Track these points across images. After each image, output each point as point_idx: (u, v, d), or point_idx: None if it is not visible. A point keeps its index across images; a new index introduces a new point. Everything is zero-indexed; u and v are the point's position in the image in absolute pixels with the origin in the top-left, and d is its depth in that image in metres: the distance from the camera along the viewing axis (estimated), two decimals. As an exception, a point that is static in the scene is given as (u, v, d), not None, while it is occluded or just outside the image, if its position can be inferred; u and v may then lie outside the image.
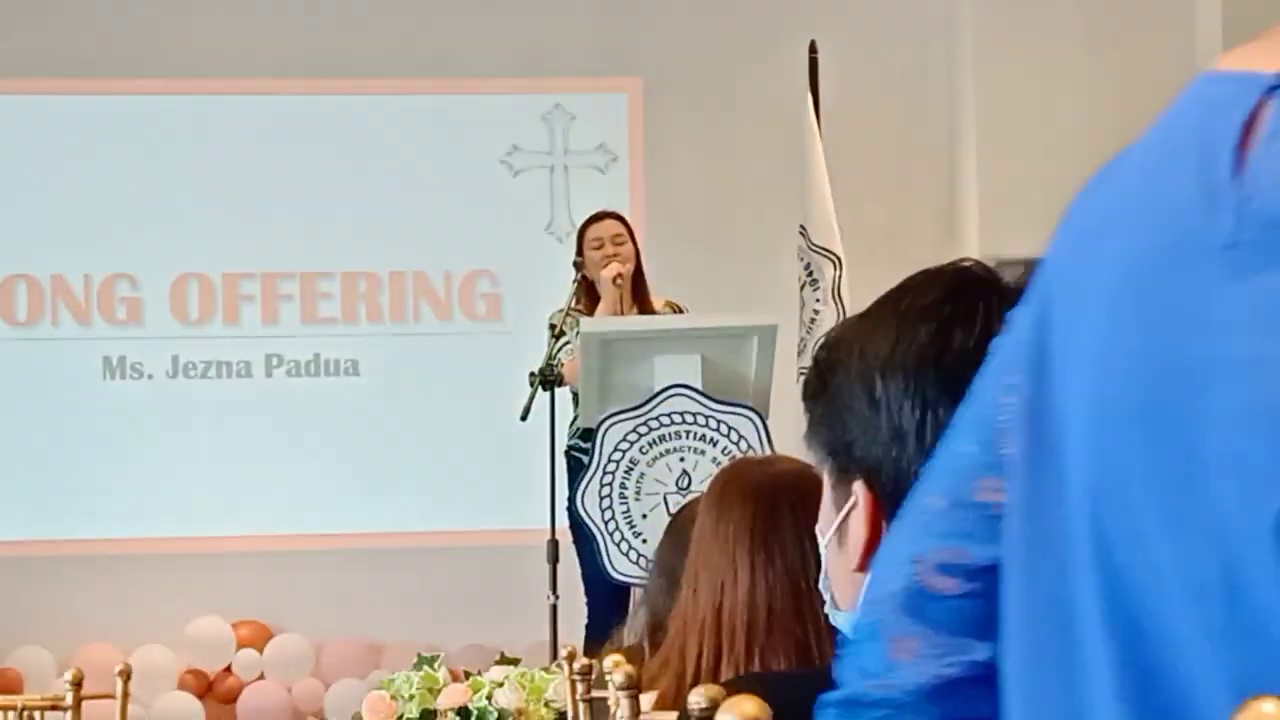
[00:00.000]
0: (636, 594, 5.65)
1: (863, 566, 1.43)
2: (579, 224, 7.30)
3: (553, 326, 6.85)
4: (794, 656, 2.46)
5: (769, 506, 2.53)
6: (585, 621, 6.74)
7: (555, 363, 6.73)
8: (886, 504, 1.42)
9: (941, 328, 1.40)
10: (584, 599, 6.78)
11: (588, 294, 6.94)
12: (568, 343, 6.74)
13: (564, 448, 6.92)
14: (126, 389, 8.87)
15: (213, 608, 8.68)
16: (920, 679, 1.07)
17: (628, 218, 7.37)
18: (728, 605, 2.50)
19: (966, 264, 1.45)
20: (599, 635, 6.44)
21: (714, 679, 2.47)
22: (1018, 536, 0.99)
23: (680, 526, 3.19)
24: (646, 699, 2.53)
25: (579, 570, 6.74)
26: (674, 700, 2.50)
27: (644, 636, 3.10)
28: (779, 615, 2.47)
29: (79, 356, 8.86)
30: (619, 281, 6.77)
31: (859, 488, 1.43)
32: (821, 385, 1.46)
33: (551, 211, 9.01)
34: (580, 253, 6.99)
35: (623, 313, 6.78)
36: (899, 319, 1.42)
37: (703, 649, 2.51)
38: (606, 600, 6.53)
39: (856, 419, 1.42)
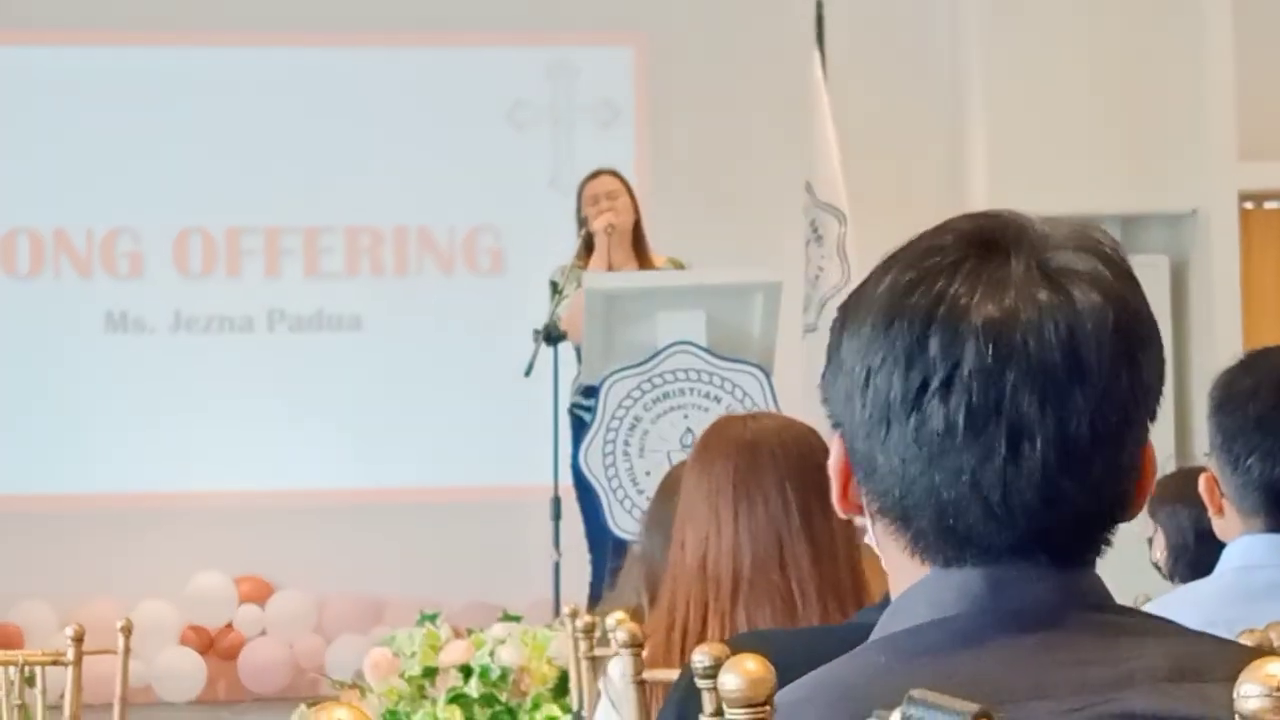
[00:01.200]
0: (634, 550, 5.63)
1: (842, 510, 1.43)
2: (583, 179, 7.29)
3: (554, 284, 6.85)
4: (778, 604, 2.48)
5: (750, 458, 2.55)
6: (589, 579, 6.74)
7: (556, 317, 6.73)
8: (852, 459, 1.40)
9: (910, 284, 1.35)
10: (588, 556, 6.78)
11: (588, 251, 6.93)
12: (567, 297, 6.73)
13: (567, 405, 6.91)
14: (128, 343, 8.87)
15: (214, 563, 8.68)
16: None
17: (632, 172, 7.36)
18: (712, 556, 2.53)
19: (993, 212, 1.40)
20: (602, 593, 6.44)
21: (701, 629, 2.49)
22: None
23: (671, 484, 3.19)
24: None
25: (583, 527, 6.73)
26: (664, 653, 2.51)
27: (642, 594, 3.11)
28: (762, 564, 2.50)
29: (81, 310, 8.85)
30: (609, 231, 6.78)
31: (836, 440, 1.42)
32: (830, 330, 1.44)
33: (555, 166, 8.98)
34: (580, 210, 7.00)
35: (615, 263, 6.78)
36: (884, 270, 1.39)
37: (690, 601, 2.53)
38: (610, 558, 6.52)
39: (831, 372, 1.41)
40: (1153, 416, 1.37)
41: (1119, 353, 1.32)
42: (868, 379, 1.35)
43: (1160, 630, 1.34)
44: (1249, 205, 8.87)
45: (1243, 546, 2.57)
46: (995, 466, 1.31)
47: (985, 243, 1.36)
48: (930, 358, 1.32)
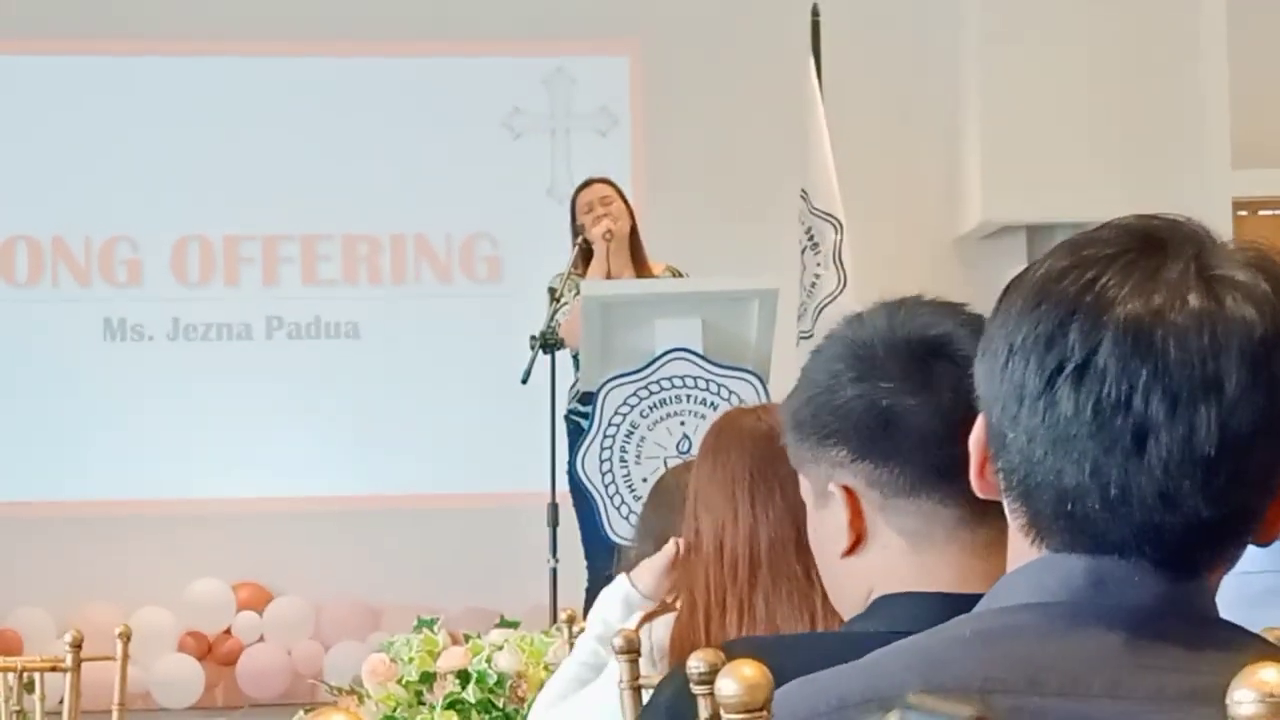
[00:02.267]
0: (628, 555, 5.65)
1: (979, 489, 1.44)
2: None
3: (552, 290, 6.86)
4: (796, 590, 2.48)
5: (766, 447, 2.54)
6: (586, 585, 6.75)
7: (554, 324, 6.74)
8: (989, 437, 1.41)
9: (1064, 270, 1.35)
10: (584, 563, 6.78)
11: (585, 260, 6.95)
12: (566, 304, 6.74)
13: (564, 412, 6.92)
14: (127, 350, 8.87)
15: (212, 570, 8.68)
16: None
17: (628, 181, 7.39)
18: (729, 544, 2.53)
19: (1167, 214, 1.40)
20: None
21: (721, 614, 2.49)
22: None
23: (664, 490, 3.20)
24: (644, 665, 2.55)
25: (580, 534, 6.74)
26: (689, 632, 2.53)
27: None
28: (780, 551, 2.49)
29: (79, 318, 8.86)
30: (608, 237, 6.79)
31: (980, 418, 1.43)
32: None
33: (552, 174, 8.99)
34: (574, 220, 7.01)
35: (614, 271, 6.79)
36: (1047, 255, 1.39)
37: (709, 585, 2.53)
38: (607, 564, 6.52)
39: (981, 348, 1.42)
40: None
41: (1260, 367, 1.31)
42: (1009, 356, 1.36)
43: (1257, 649, 1.33)
44: (1243, 213, 8.88)
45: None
46: (1117, 459, 1.31)
47: (1148, 239, 1.36)
48: (1069, 343, 1.32)
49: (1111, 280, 1.33)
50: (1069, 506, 1.34)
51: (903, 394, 1.86)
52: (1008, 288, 1.40)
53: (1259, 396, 1.31)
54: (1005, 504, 1.41)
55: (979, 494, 1.44)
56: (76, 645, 3.53)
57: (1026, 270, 1.39)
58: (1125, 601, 1.33)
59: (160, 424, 8.77)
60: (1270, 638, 2.00)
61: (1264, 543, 1.39)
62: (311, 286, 8.99)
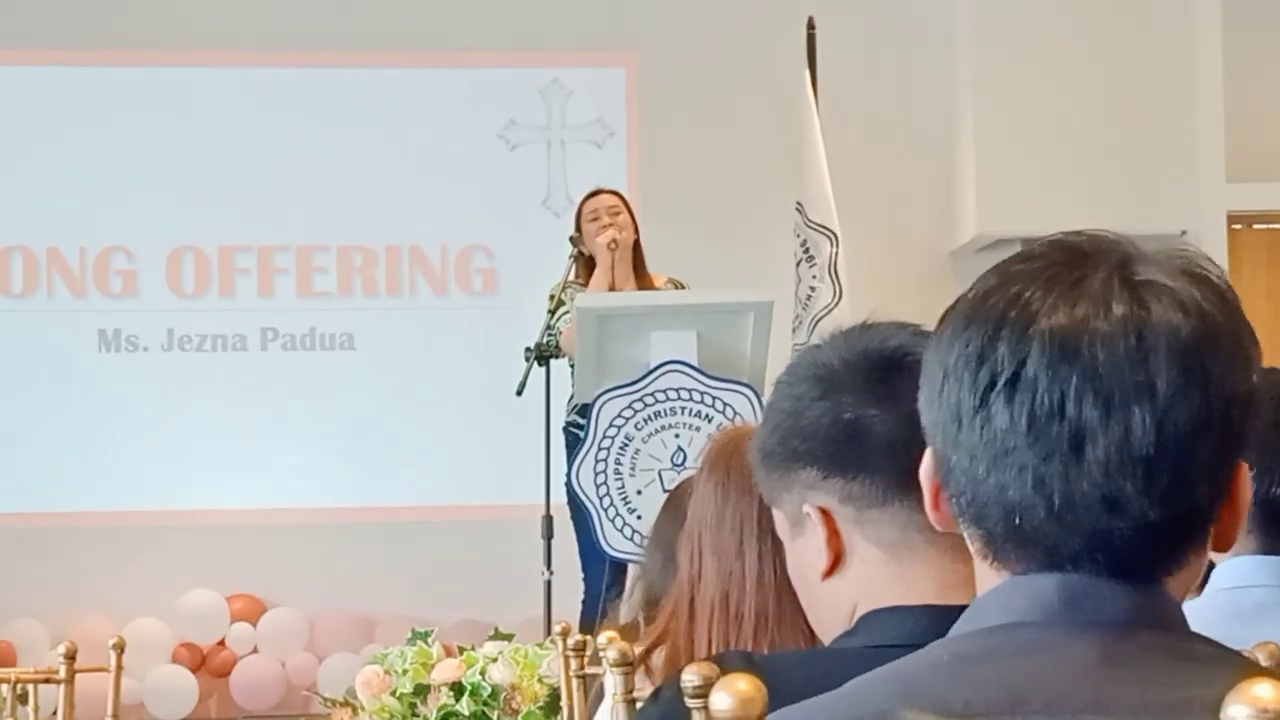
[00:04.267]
0: (634, 570, 5.64)
1: (936, 522, 1.44)
2: (576, 199, 7.30)
3: (552, 298, 6.85)
4: (803, 646, 2.42)
5: None
6: (582, 598, 6.74)
7: (554, 332, 6.74)
8: (936, 466, 1.42)
9: (990, 290, 1.37)
10: (581, 575, 6.78)
11: (586, 269, 6.95)
12: (567, 311, 6.74)
13: (563, 423, 6.91)
14: (121, 361, 8.86)
15: (207, 581, 8.67)
16: None
17: (624, 192, 7.38)
18: (735, 596, 2.45)
19: (1093, 230, 1.41)
20: (595, 611, 6.45)
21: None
22: None
23: (678, 502, 3.15)
24: (641, 675, 2.50)
25: (576, 546, 6.73)
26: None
27: (640, 612, 3.08)
28: (790, 602, 2.42)
29: (74, 328, 8.85)
30: (613, 246, 6.79)
31: (929, 449, 1.43)
32: None
33: (548, 186, 8.99)
34: (578, 228, 7.00)
35: (617, 282, 6.79)
36: (977, 280, 1.41)
37: (711, 638, 2.46)
38: (603, 576, 6.53)
39: (922, 379, 1.44)
40: (1238, 440, 1.36)
41: (1192, 367, 1.32)
42: (944, 380, 1.37)
43: (1230, 661, 1.33)
44: (1238, 227, 8.89)
45: (1231, 567, 2.56)
46: (1057, 467, 1.32)
47: (1071, 253, 1.38)
48: (999, 357, 1.34)
49: (1035, 294, 1.34)
50: (1017, 521, 1.35)
51: (865, 405, 1.88)
52: (942, 317, 1.41)
53: (1194, 395, 1.32)
54: (963, 531, 1.41)
55: (937, 527, 1.44)
56: (70, 656, 3.52)
57: (959, 297, 1.41)
58: (1098, 617, 1.33)
59: (155, 435, 8.76)
60: (1264, 653, 2.00)
61: (1222, 548, 1.39)
62: (307, 298, 8.98)
